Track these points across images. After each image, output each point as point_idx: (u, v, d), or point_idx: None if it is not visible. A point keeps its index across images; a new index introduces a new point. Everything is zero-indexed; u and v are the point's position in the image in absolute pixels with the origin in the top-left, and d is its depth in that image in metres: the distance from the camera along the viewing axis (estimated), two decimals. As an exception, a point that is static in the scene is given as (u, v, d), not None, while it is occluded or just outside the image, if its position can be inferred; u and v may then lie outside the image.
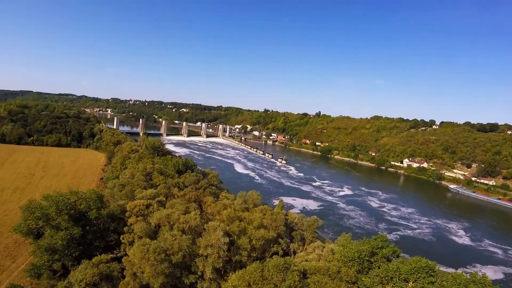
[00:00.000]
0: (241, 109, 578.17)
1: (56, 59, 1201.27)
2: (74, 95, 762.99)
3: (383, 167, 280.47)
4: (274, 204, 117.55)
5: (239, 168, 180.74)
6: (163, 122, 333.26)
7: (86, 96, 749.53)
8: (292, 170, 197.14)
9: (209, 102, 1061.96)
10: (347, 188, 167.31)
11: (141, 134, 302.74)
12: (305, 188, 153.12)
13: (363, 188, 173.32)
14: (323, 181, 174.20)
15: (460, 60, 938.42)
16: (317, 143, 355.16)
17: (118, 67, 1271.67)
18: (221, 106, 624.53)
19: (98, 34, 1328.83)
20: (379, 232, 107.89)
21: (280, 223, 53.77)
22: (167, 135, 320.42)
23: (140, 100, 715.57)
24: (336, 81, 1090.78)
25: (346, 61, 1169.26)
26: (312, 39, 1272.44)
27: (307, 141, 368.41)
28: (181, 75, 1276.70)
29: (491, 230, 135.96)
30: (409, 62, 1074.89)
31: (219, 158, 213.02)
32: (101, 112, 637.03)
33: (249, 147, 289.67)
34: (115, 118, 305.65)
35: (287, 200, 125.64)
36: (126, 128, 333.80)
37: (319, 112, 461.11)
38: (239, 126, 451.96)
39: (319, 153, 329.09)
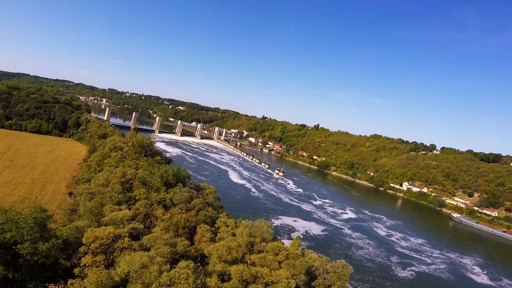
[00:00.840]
0: (239, 113, 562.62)
1: (57, 45, 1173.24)
2: (71, 82, 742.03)
3: (382, 188, 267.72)
4: (274, 225, 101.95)
5: (234, 177, 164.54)
6: (157, 118, 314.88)
7: (83, 84, 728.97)
8: (290, 184, 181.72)
9: (207, 102, 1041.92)
10: (350, 210, 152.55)
11: (132, 129, 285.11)
12: (306, 207, 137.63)
13: (366, 211, 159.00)
14: (323, 200, 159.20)
15: (462, 85, 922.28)
16: (314, 157, 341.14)
17: (119, 59, 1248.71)
18: (218, 108, 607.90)
19: (102, 24, 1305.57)
20: (392, 267, 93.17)
21: (301, 271, 38.50)
22: (160, 132, 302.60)
23: (137, 93, 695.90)
24: (333, 94, 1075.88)
25: (345, 76, 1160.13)
26: (314, 49, 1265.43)
27: (304, 154, 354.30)
28: (181, 73, 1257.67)
29: (506, 267, 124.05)
30: (409, 83, 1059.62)
31: (213, 163, 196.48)
32: (95, 101, 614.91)
33: (244, 154, 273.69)
34: (107, 109, 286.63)
35: (288, 220, 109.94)
36: (118, 121, 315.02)
37: (318, 124, 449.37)
38: (235, 131, 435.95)
39: (316, 167, 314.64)
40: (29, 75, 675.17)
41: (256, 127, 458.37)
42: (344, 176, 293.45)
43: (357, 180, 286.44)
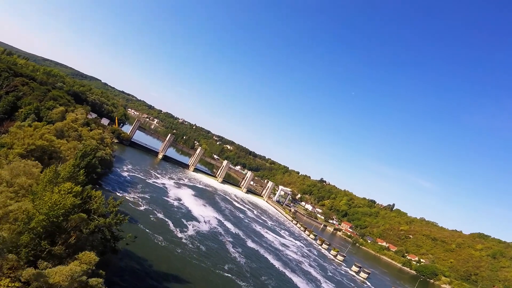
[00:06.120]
0: (288, 168, 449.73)
1: (136, 62, 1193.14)
2: (135, 97, 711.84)
3: None
4: None
5: None
6: (198, 149, 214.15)
7: (144, 102, 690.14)
8: None
9: (255, 147, 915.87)
10: None
11: (159, 156, 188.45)
12: None
13: None
14: None
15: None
16: (405, 253, 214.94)
17: (183, 87, 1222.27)
18: (265, 157, 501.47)
19: (176, 53, 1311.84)
20: None
21: None
22: (196, 170, 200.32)
23: (189, 122, 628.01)
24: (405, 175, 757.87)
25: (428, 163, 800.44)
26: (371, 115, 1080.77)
27: (384, 243, 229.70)
28: (237, 111, 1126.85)
29: None
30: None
31: (272, 261, 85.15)
32: (147, 119, 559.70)
33: (312, 237, 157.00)
34: (136, 119, 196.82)
35: None
36: (146, 138, 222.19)
37: (393, 205, 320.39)
38: (287, 190, 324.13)
39: (413, 271, 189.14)
40: (100, 80, 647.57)
41: (312, 191, 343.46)
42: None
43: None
